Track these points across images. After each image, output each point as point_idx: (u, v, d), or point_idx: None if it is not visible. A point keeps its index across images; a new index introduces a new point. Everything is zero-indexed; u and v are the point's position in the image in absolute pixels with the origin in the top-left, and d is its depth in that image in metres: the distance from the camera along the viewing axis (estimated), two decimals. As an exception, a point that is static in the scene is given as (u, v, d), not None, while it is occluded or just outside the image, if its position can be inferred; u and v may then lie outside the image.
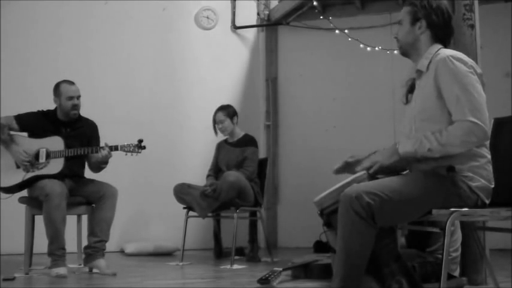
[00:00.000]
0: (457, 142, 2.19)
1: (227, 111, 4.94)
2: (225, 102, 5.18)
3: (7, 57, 5.45)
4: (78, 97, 4.08)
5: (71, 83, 4.09)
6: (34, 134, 4.04)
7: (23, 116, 4.06)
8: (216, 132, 4.99)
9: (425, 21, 2.41)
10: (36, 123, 4.05)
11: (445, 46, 2.44)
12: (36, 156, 3.96)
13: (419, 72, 2.43)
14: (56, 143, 3.97)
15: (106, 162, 4.04)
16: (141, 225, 5.84)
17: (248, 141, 4.94)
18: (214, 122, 4.96)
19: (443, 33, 2.44)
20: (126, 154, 4.00)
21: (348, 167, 2.49)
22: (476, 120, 2.17)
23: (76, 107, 4.07)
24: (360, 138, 6.01)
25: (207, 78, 6.27)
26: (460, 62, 2.27)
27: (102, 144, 4.01)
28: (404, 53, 2.49)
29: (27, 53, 5.60)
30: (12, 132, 4.00)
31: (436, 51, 2.37)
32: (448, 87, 2.25)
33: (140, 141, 4.00)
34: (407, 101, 2.51)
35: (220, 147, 5.08)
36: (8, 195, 3.99)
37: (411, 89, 2.50)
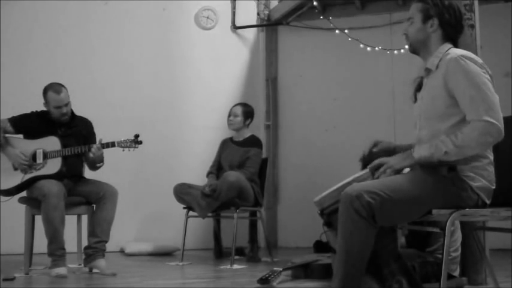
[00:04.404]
0: (473, 143, 2.18)
1: (245, 109, 4.99)
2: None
3: (7, 57, 5.45)
4: (67, 104, 4.01)
5: (58, 91, 3.97)
6: (29, 135, 4.03)
7: (17, 118, 4.05)
8: (229, 125, 5.02)
9: (437, 20, 2.39)
10: (31, 125, 4.04)
11: (455, 45, 2.43)
12: (33, 157, 3.95)
13: (428, 71, 2.42)
14: (52, 143, 3.96)
15: (101, 161, 4.03)
16: (141, 225, 5.84)
17: (253, 142, 4.95)
18: (229, 114, 4.99)
19: (454, 32, 2.43)
20: (123, 150, 3.99)
21: (374, 155, 2.46)
22: (491, 120, 2.16)
23: (65, 114, 4.02)
24: (360, 138, 5.99)
25: (207, 78, 6.27)
26: (472, 61, 2.26)
27: (98, 141, 3.99)
28: (414, 50, 2.48)
29: (27, 52, 5.60)
30: (7, 135, 4.00)
31: (446, 51, 2.37)
32: (461, 87, 2.24)
33: (136, 136, 4.00)
34: (416, 100, 2.50)
35: (224, 144, 5.08)
36: (7, 197, 3.99)
37: (419, 87, 2.48)
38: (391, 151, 2.39)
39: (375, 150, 2.44)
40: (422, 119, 2.38)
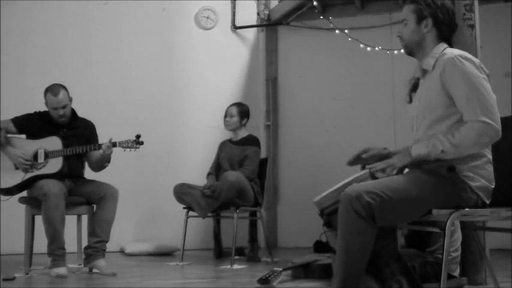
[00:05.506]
0: (470, 143, 2.19)
1: (240, 109, 4.98)
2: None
3: (7, 58, 5.45)
4: (64, 106, 4.00)
5: (56, 92, 3.96)
6: (32, 135, 4.03)
7: (19, 119, 4.05)
8: (225, 126, 5.02)
9: (431, 20, 2.39)
10: (34, 125, 4.05)
11: (450, 44, 2.43)
12: (35, 156, 3.96)
13: (424, 71, 2.42)
14: (54, 143, 3.96)
15: (108, 160, 4.04)
16: (141, 225, 5.84)
17: (251, 140, 4.95)
18: (225, 114, 4.98)
19: (448, 31, 2.43)
20: (124, 150, 4.00)
21: (361, 161, 2.44)
22: (488, 120, 2.17)
23: (62, 116, 4.02)
24: (360, 138, 6.00)
25: (207, 78, 6.27)
26: (469, 61, 2.27)
27: (108, 140, 3.98)
28: (410, 52, 2.48)
29: (27, 53, 5.60)
30: (9, 135, 4.00)
31: (442, 51, 2.37)
32: (458, 87, 2.24)
33: (138, 136, 4.00)
34: (410, 100, 2.50)
35: (223, 145, 5.09)
36: (7, 196, 3.99)
37: (414, 88, 2.49)
38: (384, 157, 2.36)
39: (364, 156, 2.41)
40: (420, 120, 2.38)
